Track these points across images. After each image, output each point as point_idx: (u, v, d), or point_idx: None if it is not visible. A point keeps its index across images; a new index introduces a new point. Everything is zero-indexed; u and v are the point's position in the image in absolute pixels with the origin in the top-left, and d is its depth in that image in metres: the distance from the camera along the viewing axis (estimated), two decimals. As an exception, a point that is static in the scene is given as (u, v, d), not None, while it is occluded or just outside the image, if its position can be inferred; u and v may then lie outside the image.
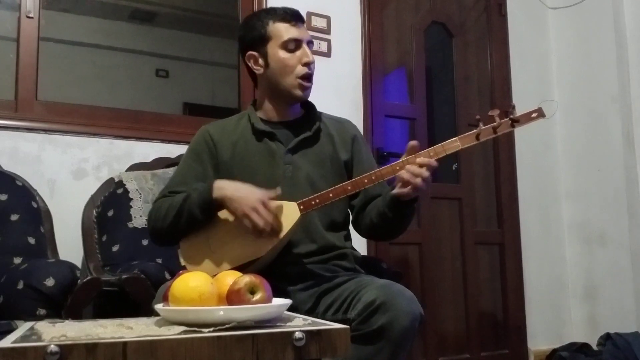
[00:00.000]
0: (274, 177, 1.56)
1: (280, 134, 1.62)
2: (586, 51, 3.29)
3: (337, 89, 2.78)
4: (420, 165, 1.41)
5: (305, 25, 1.65)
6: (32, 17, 2.28)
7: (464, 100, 3.20)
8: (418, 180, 1.40)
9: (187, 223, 1.47)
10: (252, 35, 1.62)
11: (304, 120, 1.67)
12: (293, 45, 1.59)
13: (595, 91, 3.22)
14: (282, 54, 1.59)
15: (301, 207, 1.45)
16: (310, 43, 1.63)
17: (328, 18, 2.82)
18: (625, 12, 3.11)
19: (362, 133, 1.97)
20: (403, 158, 1.44)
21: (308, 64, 1.59)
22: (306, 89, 1.61)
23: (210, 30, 3.98)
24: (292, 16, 1.61)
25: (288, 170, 1.58)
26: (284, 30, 1.59)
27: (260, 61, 1.62)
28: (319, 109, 1.72)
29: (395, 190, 1.44)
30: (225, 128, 1.66)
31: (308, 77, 1.60)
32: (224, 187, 1.45)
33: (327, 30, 2.81)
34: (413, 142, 1.45)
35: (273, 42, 1.60)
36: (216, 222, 1.48)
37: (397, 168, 1.44)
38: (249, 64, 1.65)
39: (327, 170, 1.63)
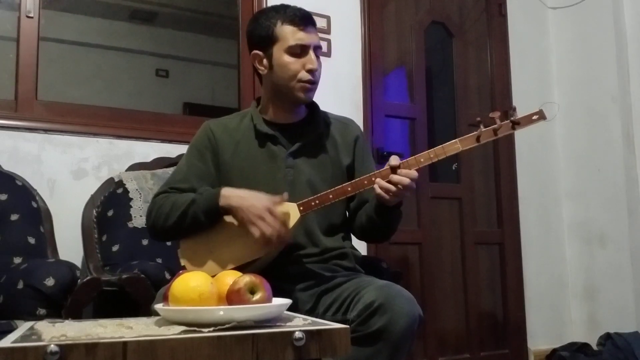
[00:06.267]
0: (274, 181, 1.56)
1: (282, 137, 1.61)
2: (586, 51, 3.29)
3: (337, 89, 2.78)
4: (402, 175, 1.42)
5: (315, 28, 1.60)
6: (32, 17, 2.28)
7: (464, 100, 3.20)
8: (393, 189, 1.42)
9: (190, 226, 1.47)
10: (259, 34, 1.59)
11: (307, 123, 1.66)
12: (299, 50, 1.55)
13: (595, 91, 3.21)
14: (287, 58, 1.55)
15: (301, 208, 1.45)
16: (318, 48, 1.59)
17: (328, 18, 2.82)
18: (625, 12, 3.11)
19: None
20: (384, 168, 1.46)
21: (312, 71, 1.56)
22: (308, 91, 1.58)
23: (210, 30, 3.98)
24: (302, 19, 1.56)
25: (289, 173, 1.58)
26: (291, 34, 1.55)
27: (265, 62, 1.59)
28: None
29: (376, 191, 1.46)
30: (227, 126, 1.65)
31: (311, 82, 1.57)
32: (230, 196, 1.44)
33: (327, 30, 2.81)
34: (394, 157, 1.45)
35: (279, 44, 1.56)
36: (217, 223, 1.48)
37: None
38: (254, 63, 1.63)
39: (329, 174, 1.62)
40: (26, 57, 2.27)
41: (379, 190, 1.44)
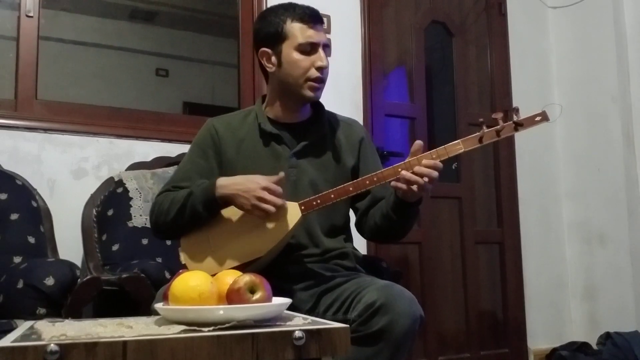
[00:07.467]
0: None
1: (286, 137, 1.61)
2: (586, 51, 3.29)
3: (337, 89, 2.78)
4: (426, 167, 1.40)
5: (322, 27, 1.60)
6: (31, 17, 2.28)
7: (464, 99, 3.20)
8: (421, 181, 1.39)
9: (190, 219, 1.47)
10: (268, 31, 1.58)
11: (312, 123, 1.65)
12: (308, 47, 1.55)
13: (595, 91, 3.21)
14: (296, 55, 1.55)
15: (302, 208, 1.45)
16: (327, 47, 1.59)
17: (328, 17, 2.82)
18: (625, 12, 3.10)
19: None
20: (408, 159, 1.44)
21: (321, 69, 1.55)
22: (317, 90, 1.58)
23: (210, 30, 3.98)
24: (311, 17, 1.56)
25: (292, 174, 1.57)
26: (300, 32, 1.55)
27: (273, 59, 1.59)
28: (321, 108, 1.71)
29: (393, 185, 1.44)
30: (231, 124, 1.64)
31: (320, 81, 1.57)
32: (225, 186, 1.44)
33: (327, 30, 2.81)
34: (418, 142, 1.44)
35: (288, 42, 1.55)
36: (217, 221, 1.48)
37: (399, 170, 1.43)
38: (262, 61, 1.62)
39: (332, 175, 1.61)
40: (26, 56, 2.27)
41: (401, 185, 1.41)
